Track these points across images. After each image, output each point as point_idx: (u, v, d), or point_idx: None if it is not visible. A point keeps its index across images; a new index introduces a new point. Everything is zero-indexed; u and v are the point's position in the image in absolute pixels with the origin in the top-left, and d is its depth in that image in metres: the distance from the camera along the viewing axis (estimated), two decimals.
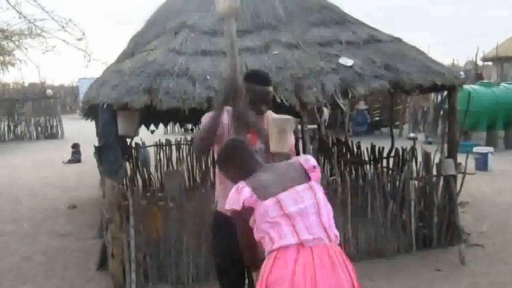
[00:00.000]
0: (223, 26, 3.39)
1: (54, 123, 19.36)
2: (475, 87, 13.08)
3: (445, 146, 5.82)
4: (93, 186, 7.91)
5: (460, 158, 5.97)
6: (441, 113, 12.65)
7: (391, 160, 7.17)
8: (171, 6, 6.51)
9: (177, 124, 13.76)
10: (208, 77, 4.98)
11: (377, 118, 17.15)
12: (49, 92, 20.31)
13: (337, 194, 5.18)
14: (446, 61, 18.90)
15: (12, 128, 19.00)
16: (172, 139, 9.12)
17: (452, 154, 5.80)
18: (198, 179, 8.51)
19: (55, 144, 17.04)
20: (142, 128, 7.79)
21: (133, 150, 8.45)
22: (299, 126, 5.59)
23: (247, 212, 2.54)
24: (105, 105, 4.80)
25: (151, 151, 8.84)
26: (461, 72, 14.15)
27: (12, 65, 18.82)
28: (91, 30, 58.95)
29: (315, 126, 8.56)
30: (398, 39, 6.12)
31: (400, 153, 6.90)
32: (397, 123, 15.95)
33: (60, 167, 12.22)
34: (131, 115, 5.23)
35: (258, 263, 2.61)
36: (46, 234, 6.72)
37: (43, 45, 14.48)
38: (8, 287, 5.09)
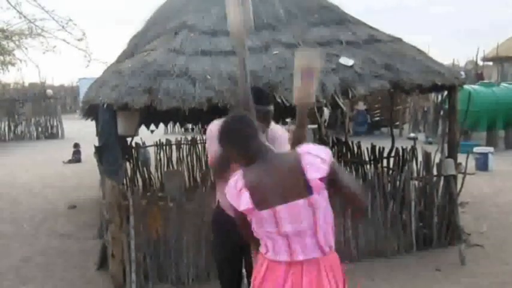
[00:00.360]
0: (232, 43, 3.25)
1: (55, 123, 19.38)
2: (475, 87, 13.09)
3: (445, 146, 5.82)
4: (93, 187, 7.91)
5: (460, 158, 5.97)
6: (441, 113, 12.64)
7: (392, 160, 7.17)
8: (171, 6, 6.51)
9: (177, 124, 13.76)
10: (208, 77, 4.98)
11: (377, 118, 17.15)
12: (49, 92, 20.30)
13: None
14: (446, 61, 18.90)
15: (12, 128, 19.04)
16: (173, 139, 9.13)
17: (452, 154, 5.80)
18: (198, 179, 8.52)
19: (55, 144, 17.05)
20: (143, 128, 7.79)
21: (133, 150, 8.46)
22: None
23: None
24: (105, 105, 4.80)
25: (152, 151, 8.85)
26: (462, 72, 14.13)
27: (13, 64, 18.79)
28: (91, 30, 59.04)
29: (315, 126, 8.56)
30: (399, 39, 6.12)
31: (401, 153, 6.90)
32: (397, 123, 15.95)
33: (60, 167, 12.21)
34: (131, 115, 5.22)
35: (259, 243, 2.59)
36: (46, 234, 6.72)
37: (43, 45, 14.56)
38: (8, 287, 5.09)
